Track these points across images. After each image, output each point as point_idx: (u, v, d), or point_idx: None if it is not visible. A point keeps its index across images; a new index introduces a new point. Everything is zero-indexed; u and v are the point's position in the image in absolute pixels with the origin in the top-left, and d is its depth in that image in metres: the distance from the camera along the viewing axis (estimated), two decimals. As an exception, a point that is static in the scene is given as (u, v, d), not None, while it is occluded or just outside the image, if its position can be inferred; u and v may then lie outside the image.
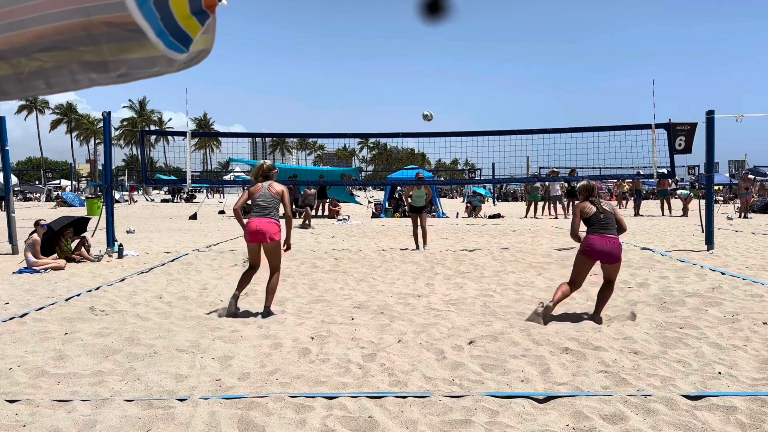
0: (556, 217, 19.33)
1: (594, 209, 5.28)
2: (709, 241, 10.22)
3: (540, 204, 20.43)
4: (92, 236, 10.85)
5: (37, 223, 8.89)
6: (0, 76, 1.44)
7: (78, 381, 3.78)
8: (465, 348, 4.44)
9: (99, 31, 1.33)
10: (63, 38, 1.35)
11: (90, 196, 31.90)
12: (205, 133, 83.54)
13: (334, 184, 24.30)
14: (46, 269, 8.25)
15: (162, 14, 1.38)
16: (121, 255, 9.63)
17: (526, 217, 20.10)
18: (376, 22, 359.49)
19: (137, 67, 1.42)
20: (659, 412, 3.15)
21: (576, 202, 5.41)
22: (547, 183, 19.81)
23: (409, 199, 11.02)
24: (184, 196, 37.04)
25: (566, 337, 4.65)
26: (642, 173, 13.30)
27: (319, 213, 21.98)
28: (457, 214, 22.45)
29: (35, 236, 8.62)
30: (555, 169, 18.68)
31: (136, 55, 1.39)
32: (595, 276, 7.61)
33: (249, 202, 5.85)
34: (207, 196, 38.59)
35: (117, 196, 31.41)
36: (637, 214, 20.38)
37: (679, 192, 25.16)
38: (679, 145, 10.85)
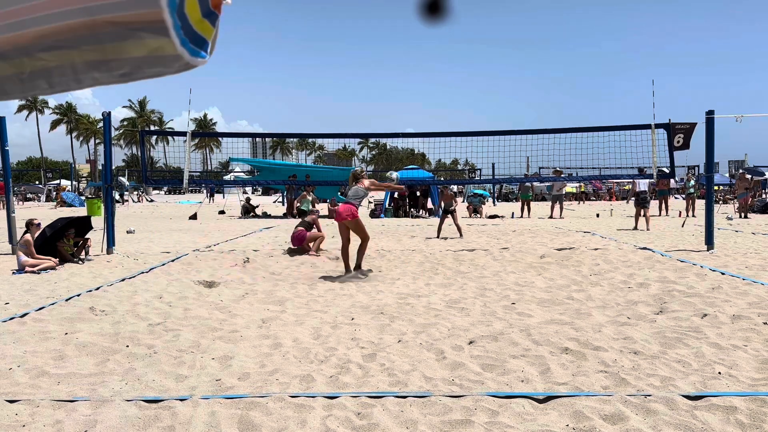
0: (552, 216, 19.32)
1: None
2: (709, 242, 10.22)
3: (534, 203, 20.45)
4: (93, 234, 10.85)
5: (30, 223, 8.71)
6: (1, 77, 1.44)
7: (78, 381, 3.78)
8: (465, 348, 4.44)
9: (103, 30, 1.33)
10: (66, 37, 1.34)
11: (90, 196, 31.88)
12: (205, 133, 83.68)
13: (322, 184, 24.14)
14: (39, 271, 8.20)
15: (182, 22, 1.38)
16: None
17: (521, 216, 20.19)
18: (375, 21, 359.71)
19: (141, 66, 1.41)
20: (659, 412, 3.15)
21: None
22: (540, 183, 19.81)
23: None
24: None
25: (566, 337, 4.65)
26: (647, 173, 13.27)
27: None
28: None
29: (27, 236, 8.52)
30: (558, 169, 18.63)
31: (140, 54, 1.38)
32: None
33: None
34: (209, 199, 38.37)
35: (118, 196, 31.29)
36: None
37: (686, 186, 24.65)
38: (677, 141, 10.86)
